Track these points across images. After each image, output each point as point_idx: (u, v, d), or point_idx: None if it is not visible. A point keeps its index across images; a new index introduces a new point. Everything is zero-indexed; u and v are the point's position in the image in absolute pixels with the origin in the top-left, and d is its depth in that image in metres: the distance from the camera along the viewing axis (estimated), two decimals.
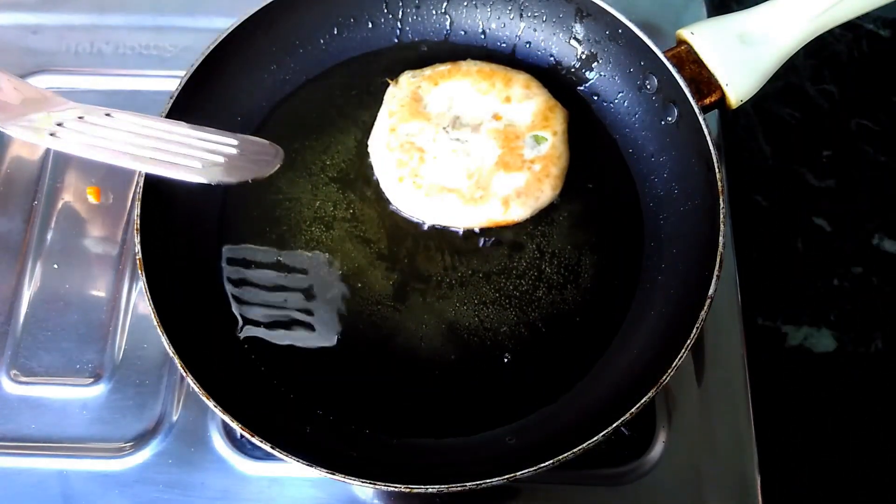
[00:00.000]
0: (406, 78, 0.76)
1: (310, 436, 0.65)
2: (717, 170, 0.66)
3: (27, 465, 0.70)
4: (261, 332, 0.70)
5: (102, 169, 0.81)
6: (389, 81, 0.77)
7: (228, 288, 0.71)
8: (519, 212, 0.72)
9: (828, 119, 0.90)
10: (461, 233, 0.73)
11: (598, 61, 0.77)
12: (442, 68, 0.77)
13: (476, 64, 0.77)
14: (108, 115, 0.64)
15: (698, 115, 0.68)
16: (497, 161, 0.72)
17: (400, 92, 0.75)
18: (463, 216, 0.72)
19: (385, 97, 0.76)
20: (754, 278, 0.79)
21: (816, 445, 0.75)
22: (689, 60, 0.71)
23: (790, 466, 0.73)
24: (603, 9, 0.74)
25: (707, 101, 0.71)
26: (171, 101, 0.70)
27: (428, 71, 0.76)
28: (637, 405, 0.59)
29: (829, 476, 0.74)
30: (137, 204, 0.66)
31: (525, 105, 0.74)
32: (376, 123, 0.76)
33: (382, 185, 0.74)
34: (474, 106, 0.75)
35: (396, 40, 0.81)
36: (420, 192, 0.72)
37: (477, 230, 0.73)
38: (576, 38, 0.78)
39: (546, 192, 0.72)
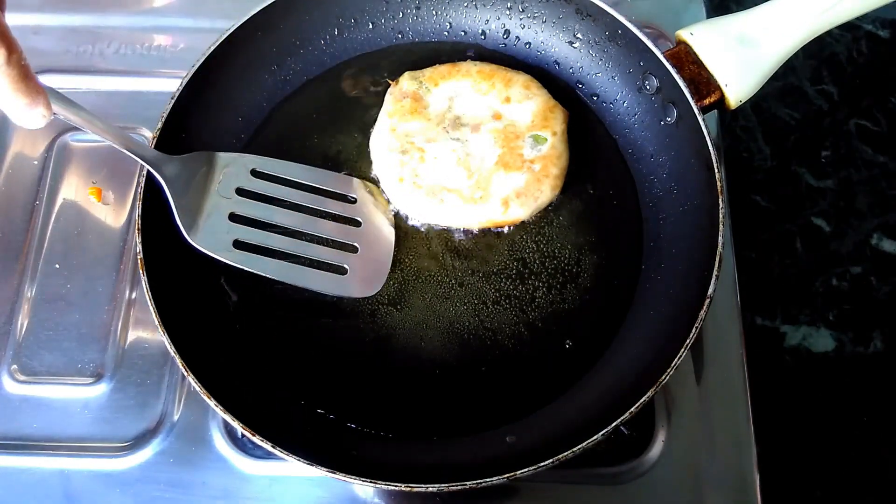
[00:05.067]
0: (406, 78, 0.76)
1: (311, 435, 0.65)
2: (716, 170, 0.66)
3: (28, 464, 0.70)
4: (262, 332, 0.70)
5: (104, 169, 0.81)
6: (390, 82, 0.77)
7: (230, 287, 0.71)
8: (519, 212, 0.72)
9: (827, 119, 0.90)
10: (461, 233, 0.73)
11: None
12: (442, 69, 0.77)
13: (476, 64, 0.77)
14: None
15: (697, 115, 0.68)
16: (497, 161, 0.72)
17: (400, 92, 0.76)
18: (463, 216, 0.72)
19: (385, 97, 0.76)
20: (753, 278, 0.79)
21: (815, 445, 0.75)
22: (688, 61, 0.71)
23: (789, 465, 0.73)
24: (603, 10, 0.74)
25: (706, 101, 0.71)
26: (173, 101, 0.70)
27: (428, 71, 0.77)
28: (636, 404, 0.59)
29: (828, 475, 0.74)
30: (138, 204, 0.66)
31: (525, 105, 0.75)
32: (377, 124, 0.76)
33: (383, 185, 0.74)
34: (474, 106, 0.75)
35: (396, 41, 0.81)
36: (420, 192, 0.72)
37: (477, 230, 0.73)
38: (576, 39, 0.78)
39: (546, 193, 0.72)
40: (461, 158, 0.73)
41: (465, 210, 0.71)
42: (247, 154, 0.73)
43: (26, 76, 0.50)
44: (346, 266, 0.70)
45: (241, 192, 0.70)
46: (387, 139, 0.74)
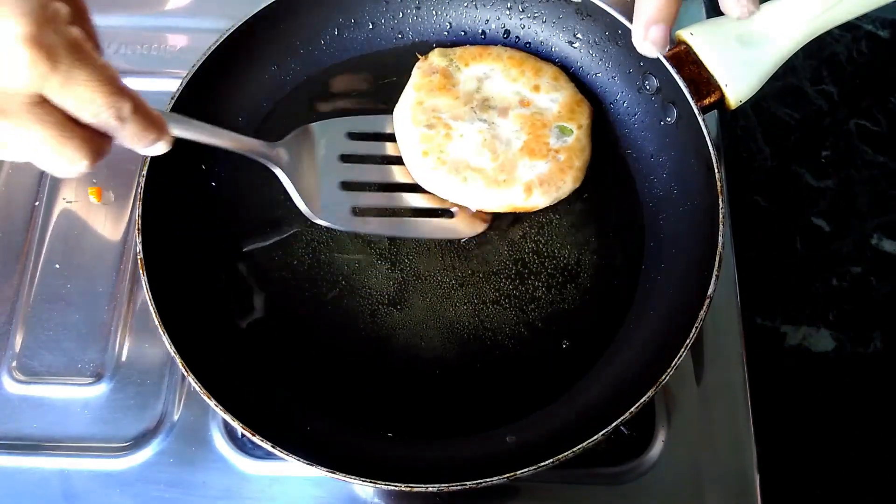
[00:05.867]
0: (436, 55, 0.76)
1: (311, 435, 0.65)
2: (716, 170, 0.66)
3: (28, 464, 0.70)
4: (261, 333, 0.70)
5: (104, 169, 0.81)
6: (420, 57, 0.77)
7: (229, 287, 0.71)
8: (540, 200, 0.71)
9: (827, 119, 0.90)
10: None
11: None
12: (472, 49, 0.76)
13: (507, 50, 0.77)
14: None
15: (697, 115, 0.68)
16: (522, 146, 0.72)
17: (429, 67, 0.75)
18: (484, 198, 0.71)
19: (413, 72, 0.76)
20: (753, 278, 0.79)
21: (815, 445, 0.75)
22: (688, 61, 0.71)
23: (789, 465, 0.73)
24: (603, 9, 0.74)
25: (706, 101, 0.71)
26: (173, 101, 0.70)
27: (459, 50, 0.76)
28: (636, 404, 0.59)
29: (828, 475, 0.74)
30: (139, 204, 0.66)
31: (553, 96, 0.74)
32: (402, 97, 0.75)
33: (405, 160, 0.73)
34: (503, 90, 0.75)
35: (396, 41, 0.81)
36: (443, 169, 0.71)
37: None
38: (576, 39, 0.78)
39: (568, 183, 0.72)
40: (487, 140, 0.72)
41: (487, 192, 0.71)
42: (336, 118, 0.75)
43: (149, 116, 0.51)
44: (453, 210, 0.73)
45: (342, 157, 0.72)
46: (413, 112, 0.73)
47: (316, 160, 0.70)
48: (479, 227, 0.73)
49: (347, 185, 0.71)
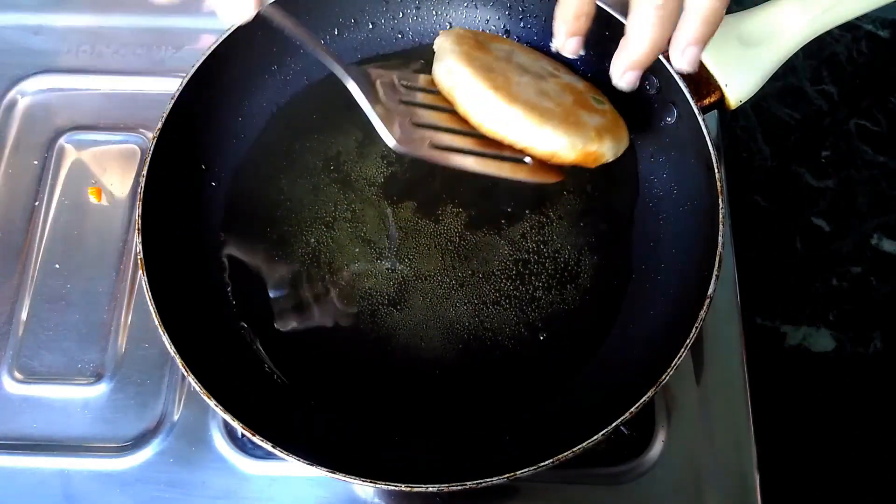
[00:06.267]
0: (458, 29, 0.72)
1: (311, 435, 0.65)
2: (716, 170, 0.66)
3: (28, 464, 0.70)
4: (261, 333, 0.70)
5: (104, 169, 0.81)
6: (441, 32, 0.74)
7: (229, 288, 0.71)
8: (607, 148, 0.66)
9: (827, 119, 0.90)
10: (461, 232, 0.73)
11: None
12: (487, 34, 0.75)
13: (517, 43, 0.76)
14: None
15: (697, 115, 0.68)
16: (574, 101, 0.68)
17: (458, 35, 0.70)
18: (559, 139, 0.64)
19: (440, 38, 0.70)
20: (753, 278, 0.79)
21: (815, 444, 0.75)
22: None
23: (789, 465, 0.73)
24: (603, 9, 0.73)
25: (706, 101, 0.71)
26: (173, 101, 0.70)
27: (479, 32, 0.75)
28: (636, 405, 0.59)
29: (828, 475, 0.74)
30: (139, 204, 0.66)
31: (573, 77, 0.73)
32: (441, 54, 0.69)
33: (469, 104, 0.66)
34: (532, 61, 0.72)
35: (396, 41, 0.81)
36: (517, 106, 0.64)
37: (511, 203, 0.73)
38: None
39: (623, 139, 0.68)
40: (543, 90, 0.68)
41: (562, 133, 0.64)
42: (390, 70, 0.71)
43: None
44: (526, 159, 0.68)
45: (403, 102, 0.69)
46: (465, 59, 0.67)
47: (379, 97, 0.67)
48: (556, 176, 0.68)
49: (419, 125, 0.67)
